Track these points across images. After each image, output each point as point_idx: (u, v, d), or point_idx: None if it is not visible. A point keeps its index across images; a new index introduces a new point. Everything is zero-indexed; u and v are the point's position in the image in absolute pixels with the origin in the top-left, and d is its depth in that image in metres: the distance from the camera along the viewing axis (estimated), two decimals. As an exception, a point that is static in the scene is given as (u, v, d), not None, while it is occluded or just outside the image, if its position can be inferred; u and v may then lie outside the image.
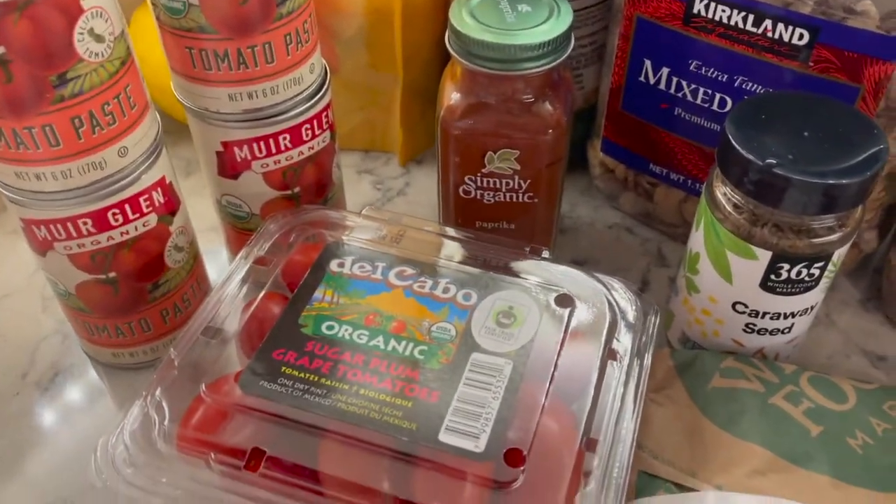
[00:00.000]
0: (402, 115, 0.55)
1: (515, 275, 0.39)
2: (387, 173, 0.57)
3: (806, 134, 0.34)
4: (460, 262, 0.39)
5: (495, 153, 0.41)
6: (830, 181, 0.32)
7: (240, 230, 0.45)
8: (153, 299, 0.41)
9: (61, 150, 0.34)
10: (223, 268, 0.49)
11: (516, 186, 0.43)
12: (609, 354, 0.36)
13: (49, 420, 0.42)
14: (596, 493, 0.31)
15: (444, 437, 0.31)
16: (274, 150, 0.42)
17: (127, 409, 0.33)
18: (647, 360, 0.36)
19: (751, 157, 0.33)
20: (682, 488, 0.35)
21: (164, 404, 0.33)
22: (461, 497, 0.30)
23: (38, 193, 0.35)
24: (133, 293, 0.40)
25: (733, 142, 0.34)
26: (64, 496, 0.39)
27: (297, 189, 0.44)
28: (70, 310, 0.41)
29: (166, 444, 0.32)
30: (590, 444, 0.32)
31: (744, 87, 0.41)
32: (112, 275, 0.39)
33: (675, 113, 0.45)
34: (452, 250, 0.40)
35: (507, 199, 0.43)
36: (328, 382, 0.33)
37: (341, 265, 0.39)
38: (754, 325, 0.38)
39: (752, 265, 0.36)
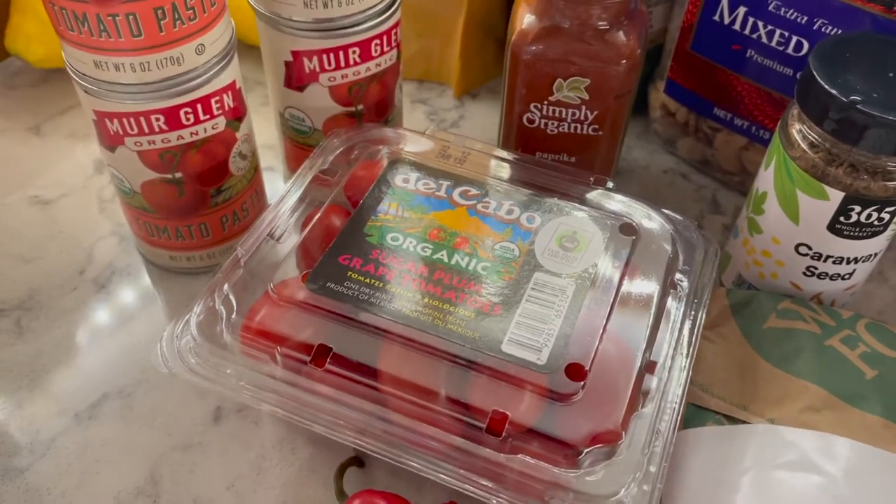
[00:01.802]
0: (463, 45, 0.55)
1: (579, 202, 0.39)
2: (441, 104, 0.57)
3: (891, 75, 0.34)
4: (523, 187, 0.39)
5: (565, 81, 0.41)
6: (913, 122, 0.32)
7: (300, 145, 0.46)
8: (214, 204, 0.42)
9: (142, 40, 0.34)
10: (278, 184, 0.50)
11: (582, 117, 0.42)
12: (669, 285, 0.36)
13: (104, 316, 0.43)
14: (652, 416, 0.32)
15: (506, 347, 0.32)
16: (342, 64, 0.41)
17: (194, 303, 0.34)
18: (706, 295, 0.36)
19: (834, 92, 0.33)
20: (732, 420, 0.35)
21: (232, 299, 0.34)
22: (522, 405, 0.31)
23: (115, 85, 0.35)
24: (196, 196, 0.41)
25: (817, 77, 0.33)
26: (120, 387, 0.40)
27: (360, 106, 0.44)
28: (132, 209, 0.42)
29: (232, 338, 0.33)
30: (649, 367, 0.33)
31: (823, 30, 0.40)
32: (178, 175, 0.39)
33: (747, 55, 0.44)
34: (516, 175, 0.40)
35: (572, 131, 0.43)
36: (392, 289, 0.34)
37: (406, 181, 0.39)
38: (815, 268, 0.38)
39: (822, 206, 0.36)
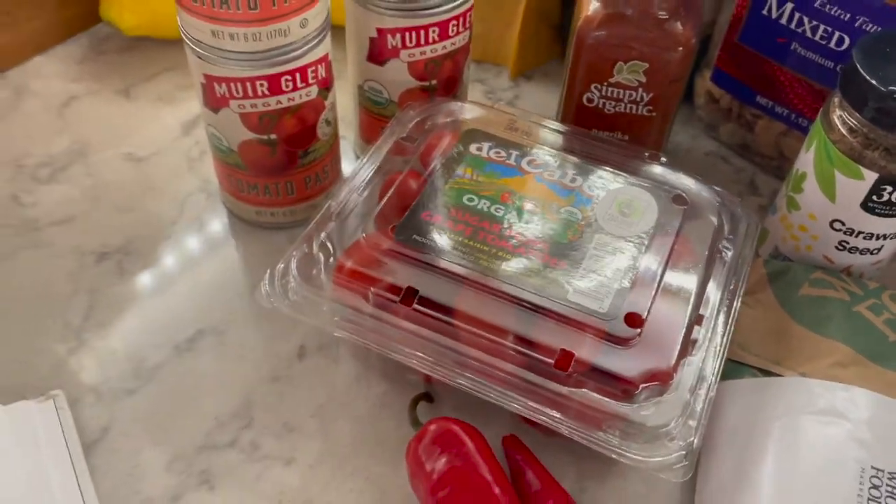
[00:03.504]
0: (521, 29, 0.59)
1: (635, 175, 0.43)
2: (497, 84, 0.61)
3: (926, 69, 0.37)
4: (585, 159, 0.43)
5: (625, 64, 0.45)
6: (944, 112, 0.36)
7: (375, 116, 0.50)
8: (301, 165, 0.46)
9: (257, 13, 0.38)
10: (348, 152, 0.54)
11: (638, 99, 0.46)
12: (715, 252, 0.40)
13: (194, 262, 0.48)
14: (699, 362, 0.36)
15: (572, 296, 0.36)
16: (422, 42, 0.46)
17: (292, 248, 0.39)
18: (746, 265, 0.40)
19: (874, 83, 0.37)
20: (766, 373, 0.39)
21: (329, 245, 0.38)
22: (587, 346, 0.35)
23: (228, 52, 0.40)
24: (286, 157, 0.45)
25: (860, 68, 0.37)
26: (213, 324, 0.44)
27: (433, 82, 0.48)
28: (226, 167, 0.46)
29: (327, 279, 0.38)
30: (698, 320, 0.37)
31: (864, 27, 0.44)
32: (273, 137, 0.44)
33: (791, 48, 0.48)
34: (576, 148, 0.44)
35: (627, 111, 0.47)
36: (469, 243, 0.38)
37: (479, 149, 0.43)
38: (847, 243, 0.42)
39: (857, 185, 0.39)
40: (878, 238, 0.41)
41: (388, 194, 0.41)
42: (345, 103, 0.52)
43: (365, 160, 0.43)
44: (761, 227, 0.48)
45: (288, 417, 0.41)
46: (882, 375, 0.38)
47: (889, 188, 0.39)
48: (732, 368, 0.40)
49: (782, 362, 0.39)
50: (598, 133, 0.49)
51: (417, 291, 0.36)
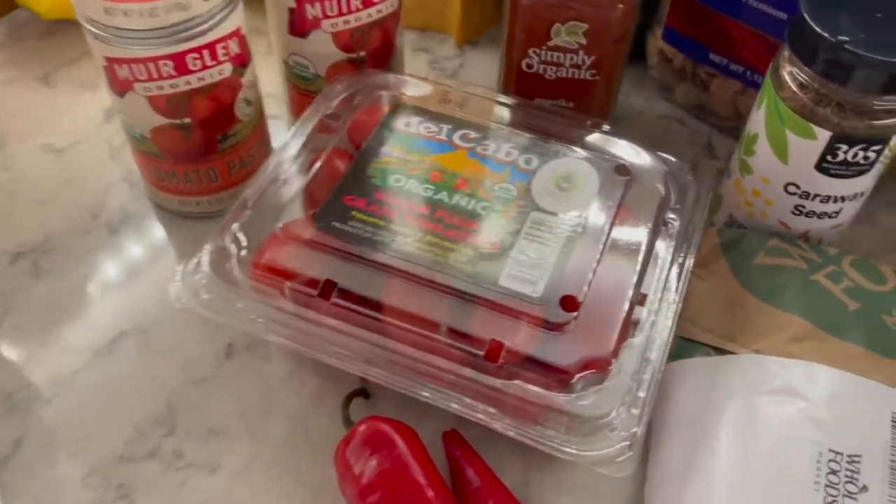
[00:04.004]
0: (463, -7, 0.55)
1: (576, 145, 0.40)
2: (442, 53, 0.58)
3: (879, 16, 0.35)
4: (522, 130, 0.40)
5: (563, 26, 0.42)
6: (898, 62, 0.33)
7: (303, 92, 0.47)
8: (222, 150, 0.43)
9: (150, -14, 0.35)
10: (281, 132, 0.51)
11: (580, 62, 0.43)
12: (661, 223, 0.37)
13: (117, 258, 0.45)
14: (642, 345, 0.33)
15: (504, 281, 0.33)
16: (345, 10, 0.42)
17: (205, 242, 0.36)
18: (696, 234, 0.38)
19: (823, 34, 0.34)
20: (719, 351, 0.37)
21: (241, 238, 0.35)
22: (519, 335, 0.33)
23: (125, 31, 0.37)
24: (204, 141, 0.42)
25: (807, 19, 0.34)
26: (136, 325, 0.41)
27: (362, 53, 0.45)
28: (142, 155, 0.43)
29: (242, 275, 0.35)
30: (640, 300, 0.34)
31: (816, -27, 0.41)
32: (186, 120, 0.41)
33: (744, 0, 0.44)
34: (514, 119, 0.42)
35: (570, 76, 0.44)
36: (395, 227, 0.35)
37: (408, 124, 0.40)
38: (803, 207, 0.39)
39: (810, 145, 0.37)
40: (835, 200, 0.39)
41: (308, 179, 0.38)
42: (275, 80, 0.49)
43: (284, 143, 0.40)
44: (715, 194, 0.45)
45: (214, 421, 0.38)
46: (841, 349, 0.35)
47: (844, 147, 0.36)
48: (683, 347, 0.38)
49: (736, 338, 0.37)
50: (542, 101, 0.46)
51: (336, 284, 0.33)
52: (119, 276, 0.44)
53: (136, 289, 0.43)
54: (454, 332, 0.33)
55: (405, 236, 0.35)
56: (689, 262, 0.37)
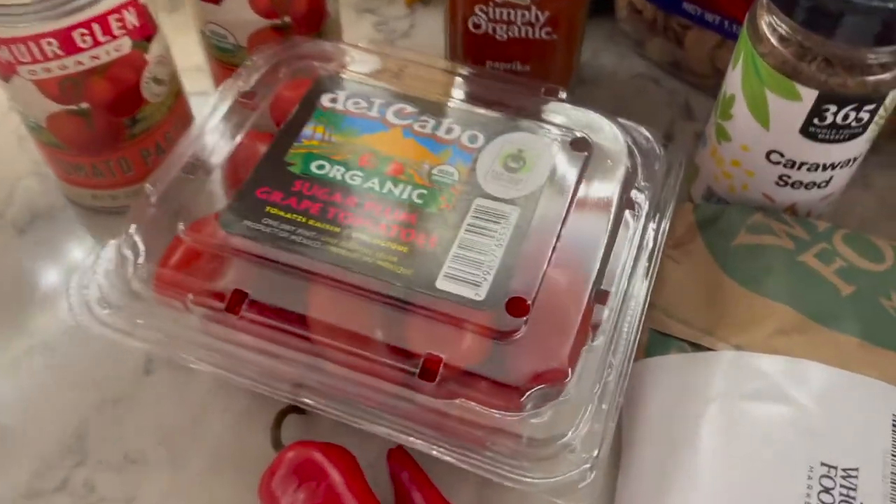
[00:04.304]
0: (409, -55, 0.50)
1: (528, 116, 0.35)
2: (390, 13, 0.52)
3: (871, -48, 0.29)
4: (467, 102, 0.35)
5: (510, -22, 0.36)
6: (892, 6, 0.28)
7: (226, 65, 0.41)
8: (132, 136, 0.38)
9: (12, -48, 0.30)
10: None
11: (533, 19, 0.38)
12: (626, 205, 0.33)
13: (25, 261, 0.40)
14: (603, 349, 0.29)
15: (441, 283, 0.29)
16: (261, -30, 0.37)
17: (100, 249, 0.31)
18: (668, 213, 0.33)
19: (806, -24, 0.29)
20: (696, 347, 0.32)
21: (140, 243, 0.31)
22: (460, 346, 0.28)
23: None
24: (108, 128, 0.37)
25: (787, -42, 0.29)
26: (43, 339, 0.37)
27: (287, 18, 0.39)
28: (45, 147, 0.38)
29: (143, 285, 0.30)
30: (600, 297, 0.30)
31: None
32: (84, 105, 0.35)
33: (717, -61, 0.39)
34: (459, 89, 0.36)
35: (523, 35, 0.39)
36: (317, 224, 0.30)
37: (334, 100, 0.35)
38: (789, 177, 0.35)
39: (793, 107, 0.32)
40: (824, 168, 0.34)
41: (221, 168, 0.33)
42: (200, 52, 0.44)
43: (196, 127, 0.35)
44: (691, 164, 0.40)
45: (130, 447, 0.34)
46: (834, 341, 0.31)
47: (832, 108, 0.31)
48: (657, 342, 0.33)
49: (714, 332, 0.32)
50: (495, 66, 0.41)
51: (247, 295, 0.29)
52: (25, 283, 0.39)
53: (44, 297, 0.39)
54: (388, 347, 0.28)
55: (328, 235, 0.30)
56: (660, 246, 0.32)
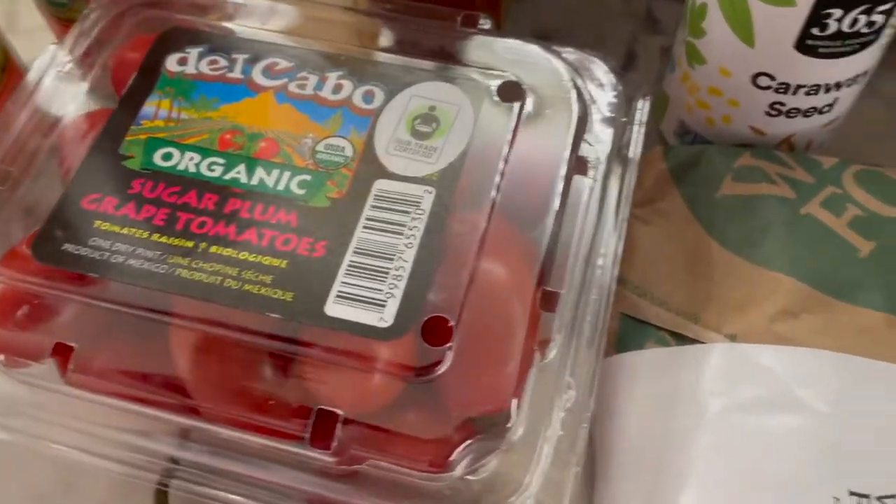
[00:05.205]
0: None
1: (441, 59, 0.27)
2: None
3: None
4: (360, 47, 0.27)
5: None
6: None
7: (64, 22, 0.33)
8: (-56, 130, 0.30)
9: None
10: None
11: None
12: (577, 165, 0.25)
13: None
14: (558, 367, 0.22)
15: (332, 308, 0.21)
16: None
17: None
18: (633, 165, 0.26)
19: None
20: (679, 339, 0.25)
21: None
22: (361, 393, 0.21)
23: None
24: None
25: None
26: None
27: (128, -45, 0.30)
28: None
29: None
30: (548, 300, 0.22)
31: None
32: None
33: None
34: (348, 30, 0.28)
35: (430, -53, 0.30)
36: (163, 240, 0.23)
37: (183, 61, 0.26)
38: (782, 104, 0.27)
39: (785, 15, 0.24)
40: (827, 90, 0.26)
41: (38, 172, 0.25)
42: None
43: (8, 113, 0.26)
44: (660, 94, 0.32)
45: (-13, 529, 0.27)
46: (854, 319, 0.24)
47: (836, 12, 0.23)
48: (630, 331, 0.27)
49: (701, 316, 0.25)
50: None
51: (72, 349, 0.21)
52: None
53: None
54: (269, 405, 0.21)
55: (178, 254, 0.22)
56: (625, 208, 0.25)
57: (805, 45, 0.25)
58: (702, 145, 0.29)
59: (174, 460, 0.22)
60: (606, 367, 0.27)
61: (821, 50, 0.25)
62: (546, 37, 0.38)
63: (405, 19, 0.28)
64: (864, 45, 0.25)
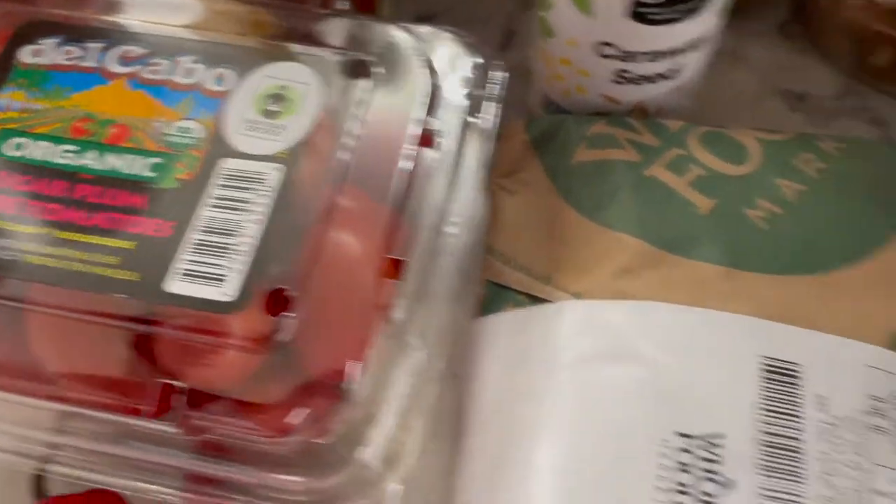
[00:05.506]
0: None
1: (294, 40, 0.27)
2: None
3: None
4: (211, 30, 0.27)
5: None
6: None
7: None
8: None
9: None
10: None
11: None
12: (425, 136, 0.26)
13: None
14: (402, 331, 0.23)
15: (175, 286, 0.22)
16: None
17: None
18: (487, 136, 0.27)
19: None
20: (534, 300, 0.27)
21: None
22: (210, 366, 0.22)
23: None
24: None
25: None
26: None
27: (-11, -51, 0.30)
28: None
29: None
30: (394, 268, 0.23)
31: None
32: None
33: None
34: (200, 13, 0.28)
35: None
36: (12, 227, 0.23)
37: (37, 53, 0.27)
38: (627, 72, 0.28)
39: (613, -15, 0.25)
40: (666, 56, 0.28)
41: None
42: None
43: None
44: (524, 69, 0.33)
45: None
46: (693, 273, 0.25)
47: (661, -20, 0.24)
48: (493, 296, 0.28)
49: (553, 278, 0.27)
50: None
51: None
52: None
53: None
54: (123, 383, 0.22)
55: (27, 240, 0.23)
56: (483, 179, 0.26)
57: (636, 12, 0.26)
58: (561, 115, 0.30)
59: (52, 445, 0.23)
60: (473, 331, 0.28)
61: (651, 17, 0.26)
62: (427, 19, 0.38)
63: (266, 2, 0.28)
64: (693, 10, 0.26)
